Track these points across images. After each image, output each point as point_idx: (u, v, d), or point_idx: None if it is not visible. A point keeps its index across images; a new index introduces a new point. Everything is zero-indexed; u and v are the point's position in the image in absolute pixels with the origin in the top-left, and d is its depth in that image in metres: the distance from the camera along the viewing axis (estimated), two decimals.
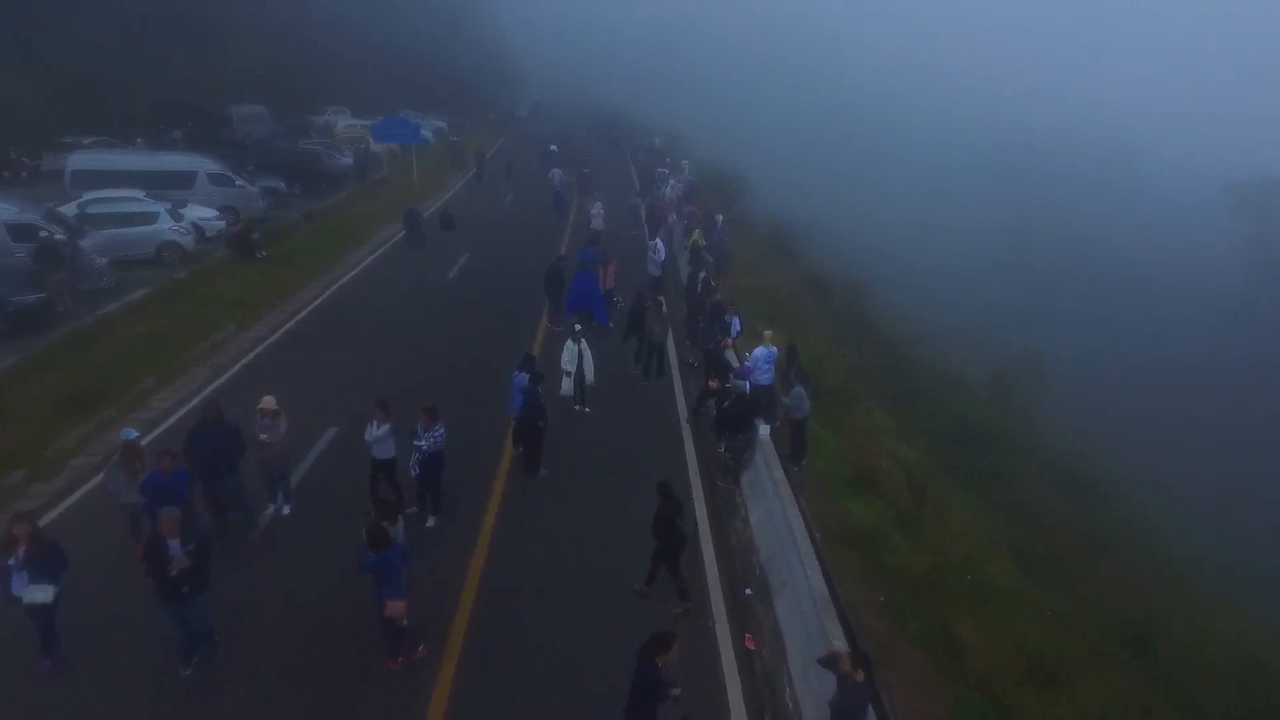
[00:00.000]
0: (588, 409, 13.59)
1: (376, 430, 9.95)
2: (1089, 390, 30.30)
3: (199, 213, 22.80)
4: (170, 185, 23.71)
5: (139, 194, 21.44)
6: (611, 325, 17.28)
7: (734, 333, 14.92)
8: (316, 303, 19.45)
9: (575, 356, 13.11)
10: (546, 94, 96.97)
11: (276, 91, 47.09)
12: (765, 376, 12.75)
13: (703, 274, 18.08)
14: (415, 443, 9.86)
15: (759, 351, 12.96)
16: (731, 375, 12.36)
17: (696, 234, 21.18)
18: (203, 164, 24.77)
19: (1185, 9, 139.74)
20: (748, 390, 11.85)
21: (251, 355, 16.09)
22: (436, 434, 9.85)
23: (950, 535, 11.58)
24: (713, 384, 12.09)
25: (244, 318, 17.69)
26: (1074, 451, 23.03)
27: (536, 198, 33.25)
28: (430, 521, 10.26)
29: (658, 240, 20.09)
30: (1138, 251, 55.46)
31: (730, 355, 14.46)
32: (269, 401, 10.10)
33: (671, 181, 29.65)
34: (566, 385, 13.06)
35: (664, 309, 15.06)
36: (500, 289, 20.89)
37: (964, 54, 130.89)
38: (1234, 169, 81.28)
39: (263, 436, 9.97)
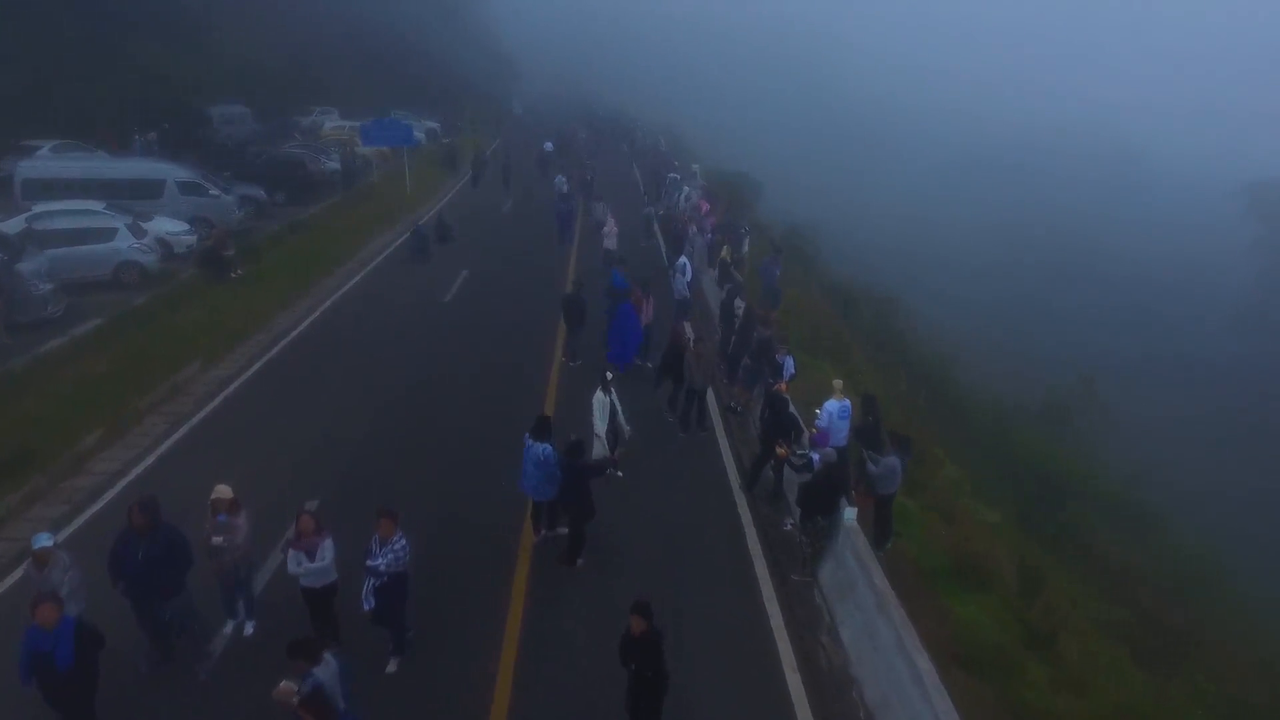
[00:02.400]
0: (620, 472, 11.30)
1: (311, 562, 7.29)
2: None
3: (167, 226, 20.38)
4: (135, 195, 21.28)
5: (98, 206, 19.01)
6: (647, 364, 14.98)
7: (787, 374, 12.63)
8: (296, 332, 17.06)
9: (607, 410, 10.81)
10: (542, 91, 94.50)
11: (260, 91, 44.50)
12: (841, 437, 10.49)
13: (738, 300, 15.78)
14: (370, 563, 7.27)
15: (831, 405, 10.67)
16: (807, 440, 10.07)
17: (725, 250, 18.86)
18: (172, 171, 22.28)
19: (1187, 6, 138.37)
20: (815, 460, 9.50)
21: (218, 400, 13.74)
22: (399, 547, 7.31)
23: (1071, 632, 9.35)
24: (781, 451, 9.80)
25: (212, 352, 15.31)
26: (1128, 479, 21.09)
27: (538, 205, 30.93)
28: (391, 666, 7.76)
29: (684, 258, 17.76)
30: (1138, 252, 54.18)
31: None
32: (223, 491, 7.76)
33: (686, 189, 27.25)
34: (599, 449, 10.75)
35: (706, 347, 12.76)
36: (505, 314, 18.56)
37: (965, 53, 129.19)
38: (1240, 170, 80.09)
39: (216, 540, 7.65)
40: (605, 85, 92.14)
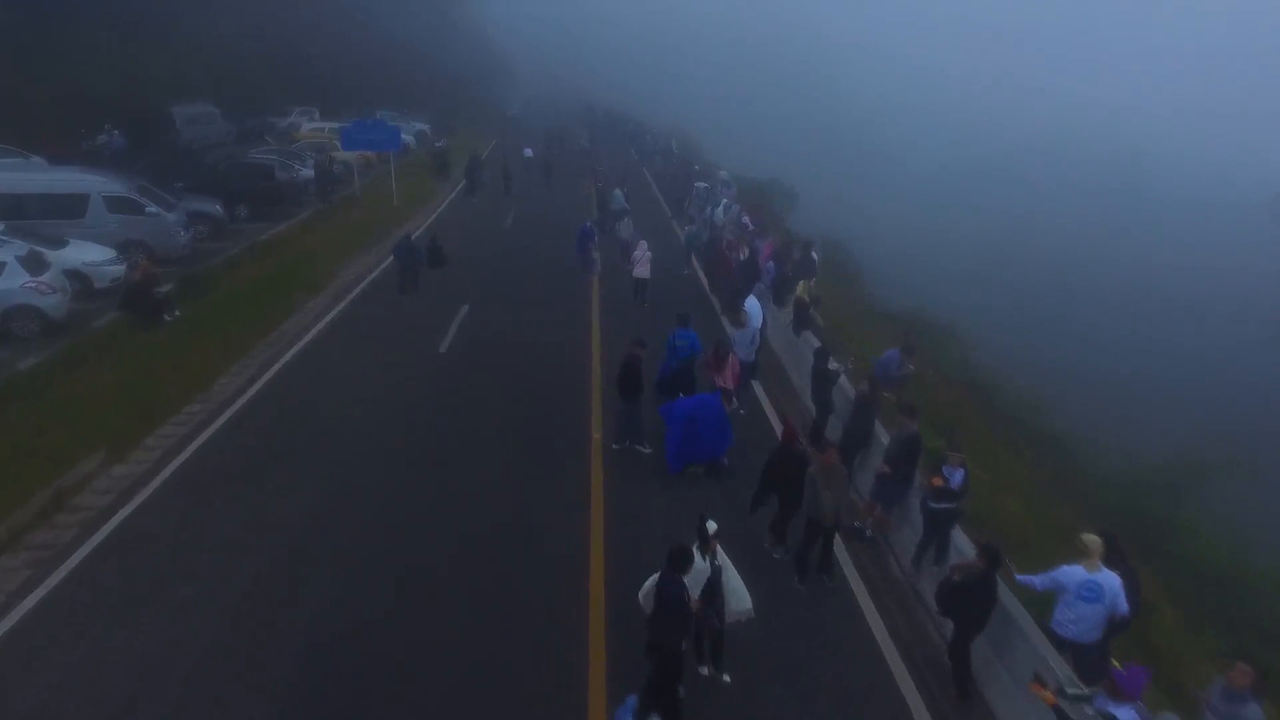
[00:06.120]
0: (726, 676, 7.15)
1: None
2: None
3: (86, 254, 16.08)
4: (51, 213, 17.05)
5: None
6: (727, 461, 10.69)
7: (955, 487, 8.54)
8: (244, 399, 12.80)
9: (702, 584, 6.66)
10: (538, 90, 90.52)
11: (232, 88, 40.01)
12: (1074, 629, 6.42)
13: (832, 362, 11.68)
14: None
15: (1070, 577, 6.55)
16: (1065, 667, 5.94)
17: (802, 285, 14.73)
18: (96, 184, 17.85)
19: (1191, 5, 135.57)
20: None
21: (117, 519, 9.47)
22: None
23: None
24: (1046, 697, 5.67)
25: (122, 437, 11.07)
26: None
27: (543, 216, 26.87)
28: None
29: (753, 300, 13.58)
30: (1156, 264, 50.92)
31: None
32: None
33: (725, 200, 23.02)
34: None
35: (838, 460, 8.55)
36: (520, 369, 14.37)
37: (965, 55, 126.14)
38: (1260, 172, 77.32)
39: None
40: (603, 87, 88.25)
